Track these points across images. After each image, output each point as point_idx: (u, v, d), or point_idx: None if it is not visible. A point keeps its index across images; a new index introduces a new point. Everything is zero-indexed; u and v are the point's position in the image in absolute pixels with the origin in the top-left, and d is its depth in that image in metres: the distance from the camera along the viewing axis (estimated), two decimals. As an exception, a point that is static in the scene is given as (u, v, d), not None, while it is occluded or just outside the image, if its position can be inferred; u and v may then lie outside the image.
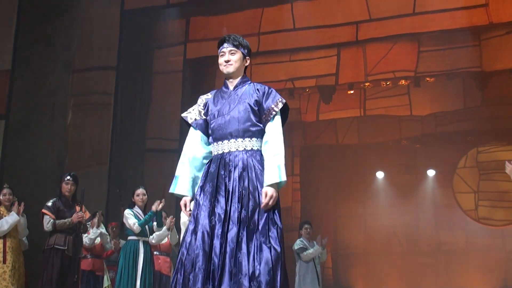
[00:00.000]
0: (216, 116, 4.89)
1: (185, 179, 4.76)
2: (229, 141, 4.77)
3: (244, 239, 4.47)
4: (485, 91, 14.25)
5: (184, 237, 4.62)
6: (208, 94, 5.10)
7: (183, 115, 5.06)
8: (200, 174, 4.82)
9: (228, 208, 4.57)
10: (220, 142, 4.80)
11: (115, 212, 10.81)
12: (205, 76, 14.84)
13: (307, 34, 14.02)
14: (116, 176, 13.44)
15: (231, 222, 4.52)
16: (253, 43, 14.28)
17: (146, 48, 14.35)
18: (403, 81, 14.31)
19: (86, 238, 9.51)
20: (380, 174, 18.19)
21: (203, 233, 4.49)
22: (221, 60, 5.11)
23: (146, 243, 9.17)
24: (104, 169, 12.93)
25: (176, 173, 4.77)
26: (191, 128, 4.96)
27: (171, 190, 4.75)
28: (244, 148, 4.74)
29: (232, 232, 4.49)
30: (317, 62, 14.17)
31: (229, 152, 4.74)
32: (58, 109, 13.73)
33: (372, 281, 17.73)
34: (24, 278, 9.10)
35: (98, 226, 9.78)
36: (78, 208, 8.63)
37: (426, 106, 15.32)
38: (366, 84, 14.49)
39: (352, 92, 14.97)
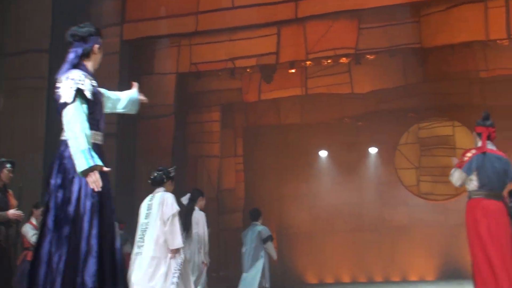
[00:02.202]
0: (101, 105, 4.75)
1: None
2: (102, 133, 4.67)
3: None
4: (426, 67, 14.31)
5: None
6: (82, 73, 4.64)
7: (80, 87, 4.48)
8: None
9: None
10: (98, 132, 4.62)
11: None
12: (143, 58, 14.51)
13: (246, 13, 13.79)
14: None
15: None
16: (191, 23, 14.01)
17: (81, 29, 13.89)
18: (344, 58, 14.23)
19: (32, 238, 9.11)
20: (323, 153, 18.21)
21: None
22: (101, 52, 4.91)
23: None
24: (39, 156, 12.47)
25: (86, 146, 4.30)
26: (78, 103, 4.43)
27: (95, 163, 4.25)
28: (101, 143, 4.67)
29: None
30: (257, 41, 13.97)
31: (101, 145, 4.64)
32: (-10, 94, 13.21)
33: (317, 259, 17.80)
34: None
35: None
36: (11, 198, 8.26)
37: (367, 84, 15.29)
38: (307, 62, 14.35)
39: (293, 71, 14.84)
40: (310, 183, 18.36)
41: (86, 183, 4.31)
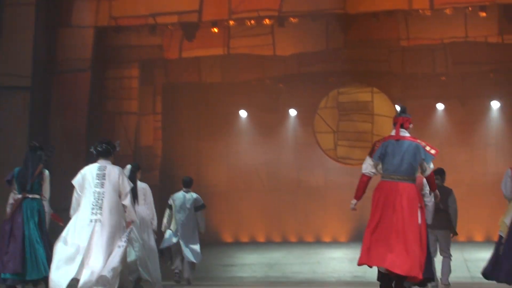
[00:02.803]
0: None
1: None
2: None
3: None
4: (348, 33, 14.41)
5: None
6: None
7: None
8: None
9: None
10: None
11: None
12: (60, 10, 14.01)
13: (169, -33, 13.53)
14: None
15: None
16: (112, -25, 13.61)
17: (-6, -23, 13.32)
18: (267, 20, 14.15)
19: None
20: (243, 113, 18.13)
21: None
22: None
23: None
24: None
25: None
26: None
27: None
28: None
29: None
30: (179, -3, 13.75)
31: None
32: None
33: (233, 218, 17.86)
34: None
35: None
36: None
37: (289, 46, 15.29)
38: (230, 22, 14.21)
39: (216, 30, 14.65)
40: (229, 143, 18.30)
41: None
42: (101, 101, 15.26)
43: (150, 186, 9.79)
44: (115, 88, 15.62)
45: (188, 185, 11.41)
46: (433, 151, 6.86)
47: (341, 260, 14.58)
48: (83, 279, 6.86)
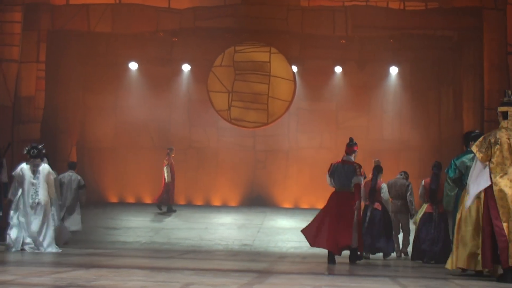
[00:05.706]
0: None
1: None
2: None
3: None
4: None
5: None
6: None
7: None
8: None
9: None
10: None
11: None
12: None
13: None
14: None
15: None
16: None
17: None
18: (163, -30, 13.40)
19: None
20: (133, 65, 17.30)
21: None
22: None
23: None
24: None
25: None
26: None
27: None
28: None
29: None
30: None
31: None
32: None
33: (119, 177, 17.30)
34: None
35: None
36: None
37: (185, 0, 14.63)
38: (123, -30, 13.35)
39: (105, -24, 13.78)
40: (118, 96, 17.52)
41: None
42: (-21, 47, 14.17)
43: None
44: (-5, 32, 14.55)
45: (73, 168, 13.45)
46: (361, 174, 9.65)
47: (229, 226, 14.25)
48: (38, 242, 10.13)
